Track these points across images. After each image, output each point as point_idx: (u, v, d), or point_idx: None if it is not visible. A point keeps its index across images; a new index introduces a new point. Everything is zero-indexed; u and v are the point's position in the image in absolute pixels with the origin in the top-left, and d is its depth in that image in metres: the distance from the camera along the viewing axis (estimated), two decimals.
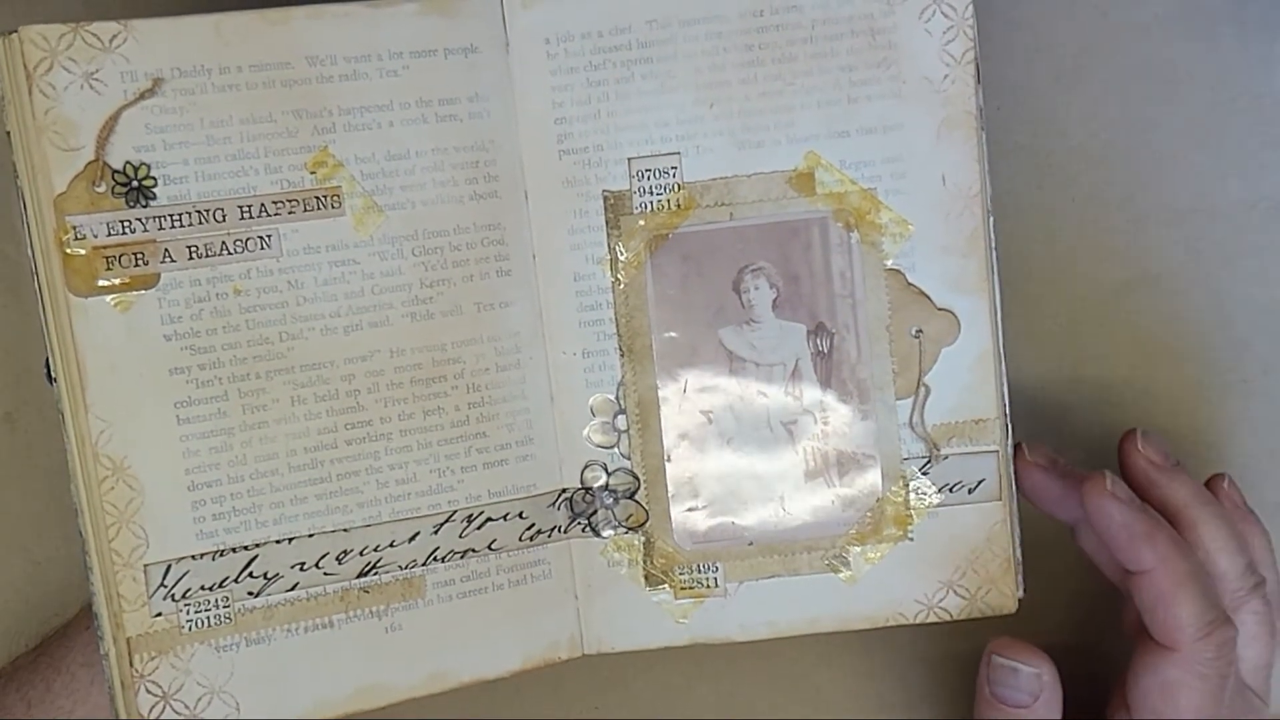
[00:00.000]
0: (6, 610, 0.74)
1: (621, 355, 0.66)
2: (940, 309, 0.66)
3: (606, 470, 0.67)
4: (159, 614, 0.62)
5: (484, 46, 0.65)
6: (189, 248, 0.62)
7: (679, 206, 0.65)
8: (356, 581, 0.65)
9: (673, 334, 0.66)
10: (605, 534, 0.67)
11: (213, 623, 0.63)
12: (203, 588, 0.63)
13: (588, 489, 0.67)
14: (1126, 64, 0.77)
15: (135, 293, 0.61)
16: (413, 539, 0.65)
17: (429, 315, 0.64)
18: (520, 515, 0.66)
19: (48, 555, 0.74)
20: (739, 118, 0.65)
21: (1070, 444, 0.76)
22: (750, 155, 0.65)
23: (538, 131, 0.65)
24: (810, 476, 0.67)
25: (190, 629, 0.63)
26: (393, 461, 0.65)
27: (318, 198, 0.63)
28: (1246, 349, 0.78)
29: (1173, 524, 0.66)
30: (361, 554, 0.64)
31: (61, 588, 0.74)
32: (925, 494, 0.66)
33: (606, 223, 0.66)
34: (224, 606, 0.63)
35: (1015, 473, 0.67)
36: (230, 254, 0.62)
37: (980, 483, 0.66)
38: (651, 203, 0.65)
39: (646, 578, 0.67)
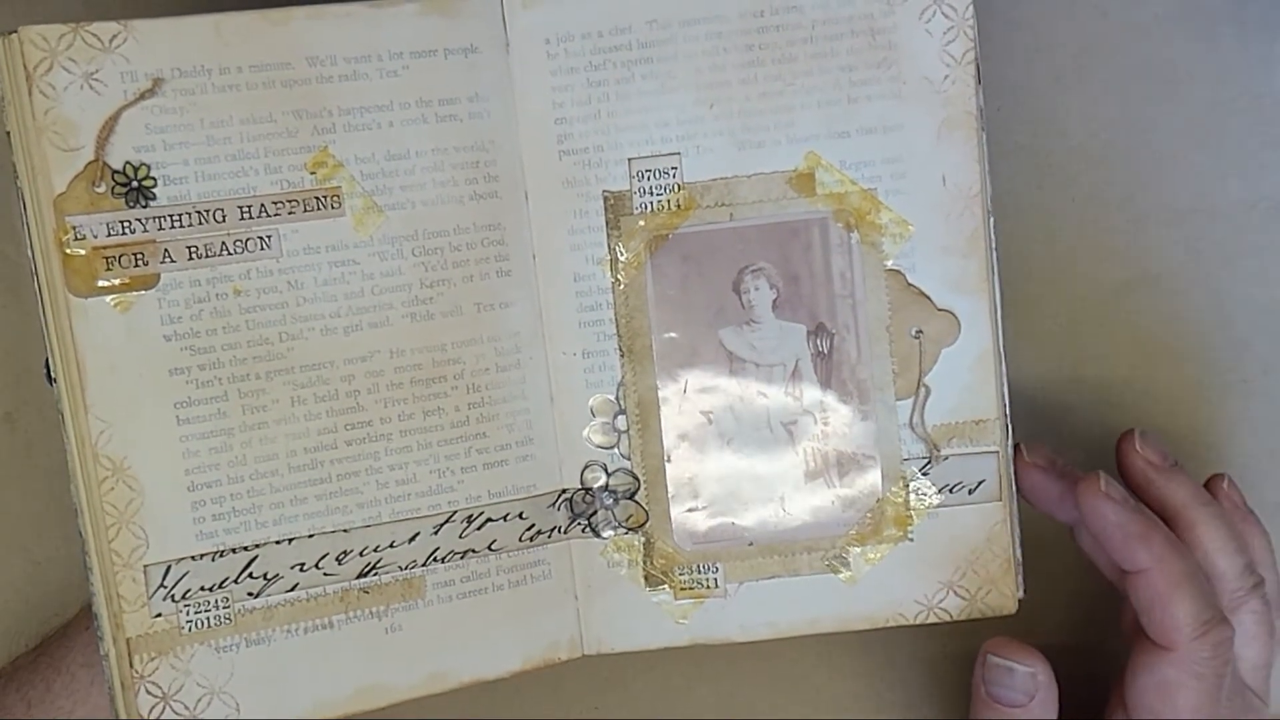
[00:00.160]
0: (6, 610, 0.74)
1: (621, 356, 0.66)
2: (940, 309, 0.66)
3: (606, 471, 0.67)
4: (159, 614, 0.62)
5: (484, 47, 0.65)
6: (189, 248, 0.62)
7: (679, 207, 0.65)
8: (356, 582, 0.64)
9: (673, 334, 0.66)
10: (605, 534, 0.67)
11: (213, 623, 0.63)
12: (203, 588, 0.63)
13: (588, 489, 0.67)
14: (1126, 64, 0.77)
15: (135, 293, 0.61)
16: (413, 539, 0.65)
17: (429, 315, 0.64)
18: (520, 516, 0.66)
19: (48, 555, 0.74)
20: (739, 118, 0.65)
21: (1070, 444, 0.76)
22: (750, 155, 0.65)
23: (538, 132, 0.65)
24: (810, 477, 0.67)
25: (190, 629, 0.63)
26: (393, 462, 0.65)
27: (318, 198, 0.63)
28: (1246, 349, 0.78)
29: (1171, 524, 0.66)
30: (361, 554, 0.64)
31: (61, 588, 0.74)
32: (925, 494, 0.66)
33: (607, 223, 0.66)
34: (224, 607, 0.63)
35: (1014, 473, 0.67)
36: (230, 254, 0.62)
37: (980, 483, 0.66)
38: (652, 203, 0.65)
39: (646, 578, 0.67)
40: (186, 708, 0.63)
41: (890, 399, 0.66)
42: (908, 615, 0.67)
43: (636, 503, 0.67)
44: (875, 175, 0.65)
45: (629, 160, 0.65)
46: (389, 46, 0.63)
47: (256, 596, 0.63)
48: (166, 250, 0.61)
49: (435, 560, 0.65)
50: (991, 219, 0.65)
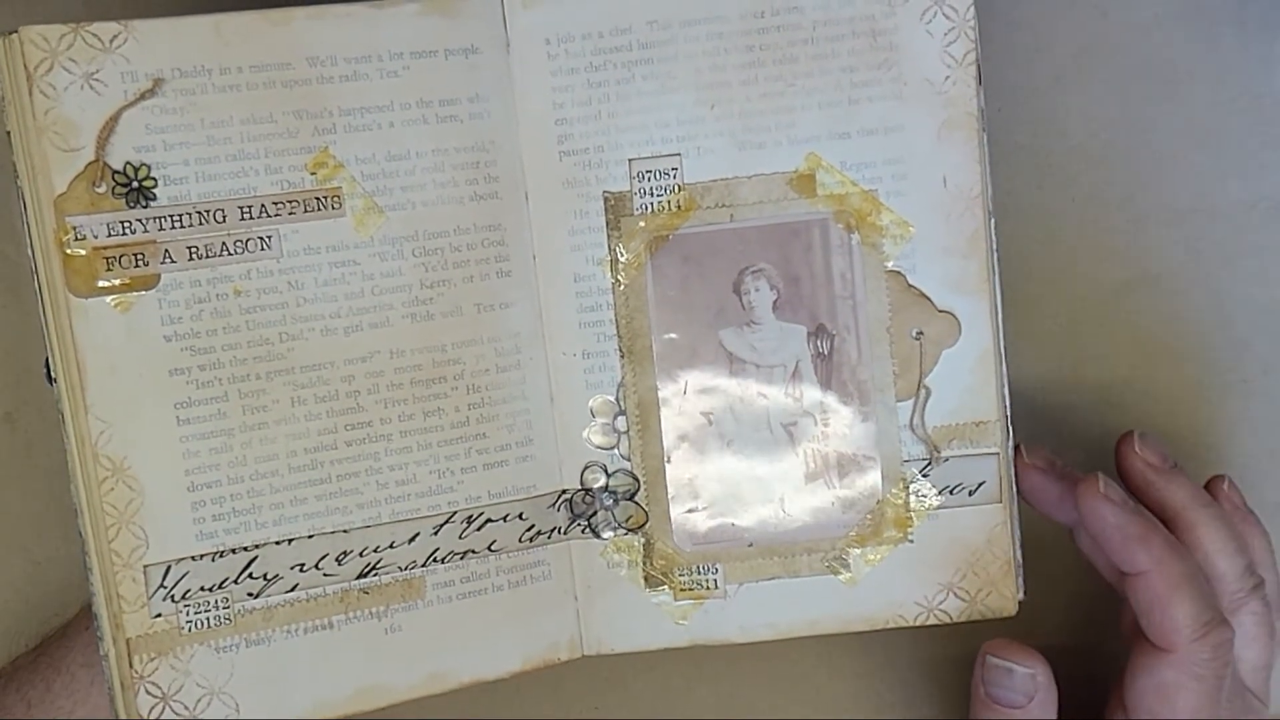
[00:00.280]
0: (6, 610, 0.74)
1: (622, 356, 0.66)
2: (941, 311, 0.66)
3: (606, 471, 0.67)
4: (159, 615, 0.62)
5: (485, 47, 0.64)
6: (189, 248, 0.62)
7: (679, 208, 0.65)
8: (356, 582, 0.64)
9: (673, 335, 0.66)
10: (605, 535, 0.67)
11: (212, 624, 0.63)
12: (202, 589, 0.63)
13: (587, 490, 0.67)
14: (1126, 64, 0.77)
15: (135, 293, 0.61)
16: (412, 540, 0.65)
17: (429, 316, 0.64)
18: (520, 516, 0.66)
19: (48, 555, 0.74)
20: (740, 119, 0.65)
21: (1070, 445, 0.76)
22: (751, 156, 0.65)
23: (538, 132, 0.65)
24: (810, 478, 0.67)
25: (190, 630, 0.63)
26: (393, 462, 0.65)
27: (318, 198, 0.63)
28: (1246, 349, 0.78)
29: (1171, 526, 0.66)
30: (361, 555, 0.64)
31: (61, 588, 0.74)
32: (925, 496, 0.66)
33: (607, 224, 0.66)
34: (224, 607, 0.63)
35: (1014, 474, 0.67)
36: (230, 255, 0.62)
37: (980, 485, 0.66)
38: (652, 204, 0.65)
39: (646, 579, 0.67)
40: (186, 708, 0.63)
41: (890, 400, 0.66)
42: (907, 617, 0.67)
43: (636, 504, 0.67)
44: (876, 176, 0.65)
45: (629, 161, 0.65)
46: (389, 47, 0.63)
47: (256, 597, 0.63)
48: (167, 250, 0.61)
49: (435, 561, 0.65)
50: (992, 220, 0.65)
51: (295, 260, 0.63)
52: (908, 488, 0.66)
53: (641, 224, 0.66)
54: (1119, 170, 0.77)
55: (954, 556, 0.66)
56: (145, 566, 0.62)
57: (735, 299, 0.66)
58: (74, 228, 0.60)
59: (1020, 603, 0.67)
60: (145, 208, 0.61)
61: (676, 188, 0.65)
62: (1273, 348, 0.78)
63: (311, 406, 0.63)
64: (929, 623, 0.67)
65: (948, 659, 0.77)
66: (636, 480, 0.67)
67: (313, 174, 0.63)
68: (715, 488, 0.67)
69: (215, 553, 0.63)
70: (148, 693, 0.62)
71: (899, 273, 0.65)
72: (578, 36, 0.64)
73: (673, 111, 0.65)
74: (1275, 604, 0.68)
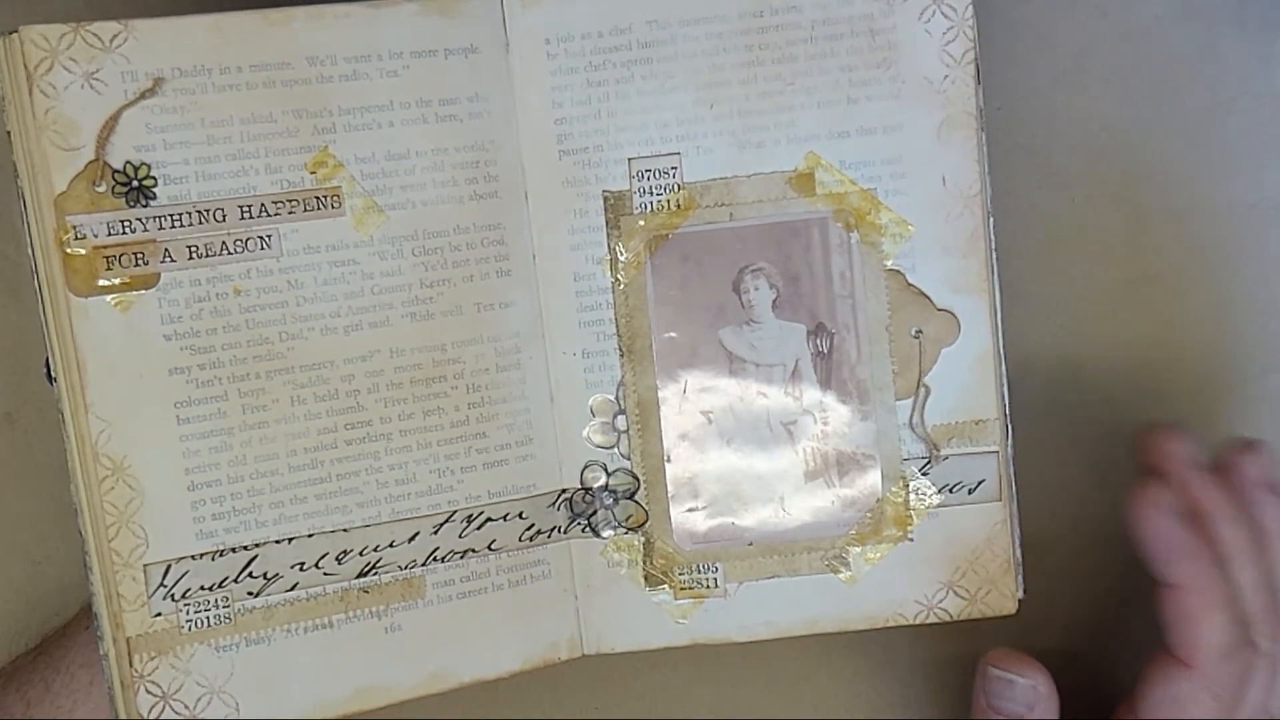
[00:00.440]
0: (6, 610, 0.74)
1: (621, 355, 0.66)
2: (940, 309, 0.66)
3: (606, 470, 0.67)
4: (159, 614, 0.62)
5: (484, 47, 0.65)
6: (189, 247, 0.62)
7: (679, 207, 0.65)
8: (356, 581, 0.65)
9: (673, 334, 0.66)
10: (605, 534, 0.67)
11: (212, 623, 0.63)
12: (202, 588, 0.63)
13: (587, 489, 0.67)
14: (1126, 64, 0.77)
15: (135, 292, 0.61)
16: (412, 539, 0.65)
17: (429, 315, 0.64)
18: (520, 515, 0.66)
19: (48, 555, 0.74)
20: (739, 118, 0.65)
21: (1070, 445, 0.76)
22: (750, 155, 0.65)
23: (538, 132, 0.65)
24: (810, 477, 0.67)
25: (190, 629, 0.63)
26: (392, 461, 0.65)
27: (318, 198, 0.63)
28: (1246, 349, 0.78)
29: (1261, 543, 0.66)
30: (361, 554, 0.64)
31: (61, 587, 0.74)
32: (925, 494, 0.66)
33: (606, 223, 0.66)
34: (224, 606, 0.63)
35: (1138, 518, 0.65)
36: (230, 254, 0.62)
37: (980, 483, 0.66)
38: (651, 203, 0.65)
39: (646, 578, 0.67)
40: (186, 707, 0.63)
41: (890, 399, 0.66)
42: (907, 615, 0.67)
43: (636, 502, 0.67)
44: (875, 175, 0.65)
45: (629, 160, 0.65)
46: (389, 46, 0.63)
47: (256, 596, 0.63)
48: (167, 250, 0.61)
49: (435, 560, 0.65)
50: (991, 219, 0.65)
51: (295, 259, 0.63)
52: (907, 486, 0.66)
53: (641, 223, 0.66)
54: (1119, 170, 0.77)
55: (954, 555, 0.66)
56: (145, 566, 0.62)
57: (735, 298, 0.66)
58: (74, 227, 0.60)
59: (1020, 601, 0.67)
60: (145, 207, 0.61)
61: (676, 187, 0.65)
62: (1273, 348, 0.78)
63: (311, 405, 0.63)
64: (929, 621, 0.67)
65: (947, 659, 0.77)
66: (636, 479, 0.67)
67: (312, 173, 0.63)
68: (715, 486, 0.67)
69: (215, 552, 0.63)
70: (148, 692, 0.62)
71: (898, 271, 0.65)
72: (577, 36, 0.65)
73: (672, 111, 0.65)
74: None
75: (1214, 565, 0.64)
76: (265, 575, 0.63)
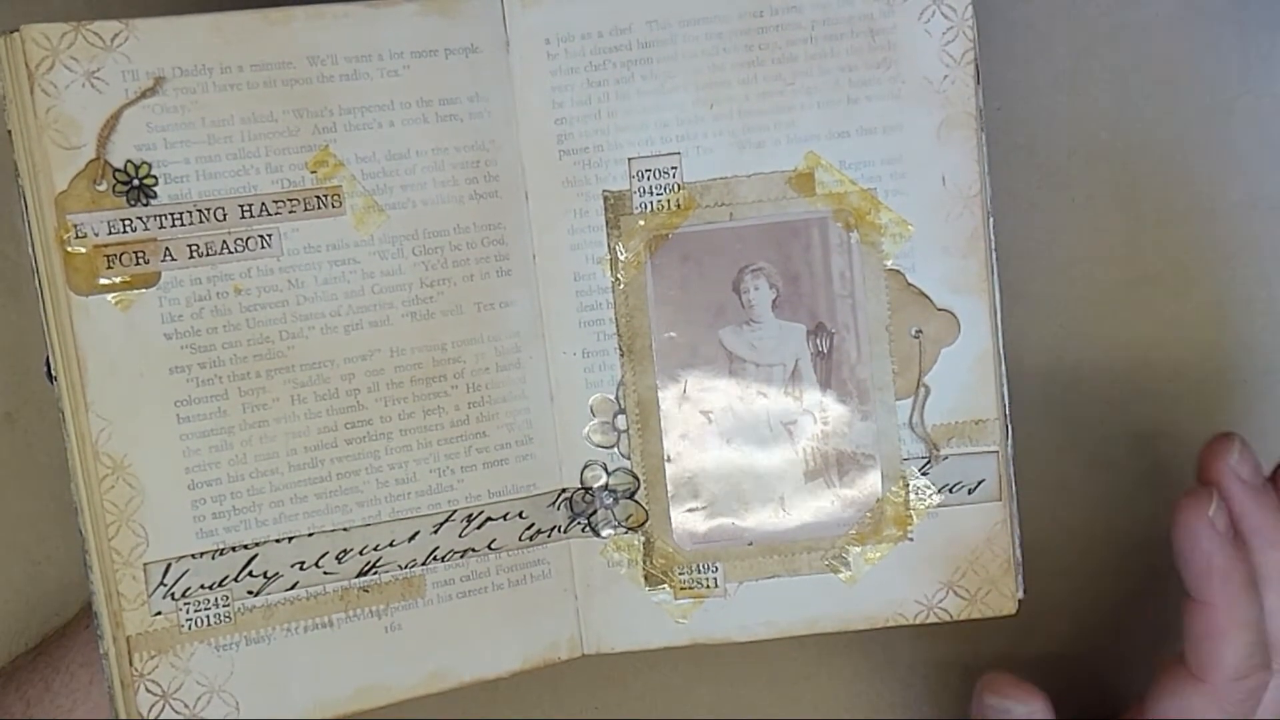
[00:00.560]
0: (6, 610, 0.74)
1: (621, 355, 0.66)
2: (940, 309, 0.66)
3: (606, 470, 0.67)
4: (159, 613, 0.62)
5: (484, 46, 0.65)
6: (190, 246, 0.62)
7: (679, 206, 0.65)
8: (356, 581, 0.64)
9: (673, 334, 0.66)
10: (605, 534, 0.67)
11: (212, 622, 0.63)
12: (202, 587, 0.63)
13: (587, 489, 0.67)
14: (1126, 64, 0.77)
15: (136, 291, 0.61)
16: (412, 538, 0.65)
17: (429, 315, 0.64)
18: (520, 515, 0.66)
19: (47, 555, 0.74)
20: (739, 118, 0.65)
21: (1071, 445, 0.76)
22: (750, 155, 0.65)
23: (538, 131, 0.65)
24: (810, 477, 0.67)
25: (190, 628, 0.63)
26: (393, 461, 0.65)
27: (318, 197, 0.63)
28: (1246, 349, 0.78)
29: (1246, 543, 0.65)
30: (361, 553, 0.64)
31: (61, 587, 0.74)
32: (925, 494, 0.66)
33: (606, 223, 0.66)
34: (224, 605, 0.63)
35: (1184, 529, 0.65)
36: (231, 253, 0.62)
37: (980, 483, 0.66)
38: (651, 203, 0.65)
39: (646, 578, 0.67)
40: (186, 706, 0.63)
41: (890, 399, 0.66)
42: (907, 615, 0.67)
43: (636, 502, 0.67)
44: (875, 175, 0.65)
45: (629, 160, 0.65)
46: (389, 46, 0.63)
47: (256, 595, 0.63)
48: (167, 249, 0.61)
49: (435, 559, 0.65)
50: (991, 219, 0.65)
51: (295, 259, 0.63)
52: (907, 486, 0.66)
53: (641, 223, 0.66)
54: (1119, 170, 0.77)
55: (954, 555, 0.66)
56: (145, 564, 0.62)
57: (735, 297, 0.66)
58: (75, 225, 0.60)
59: (1020, 601, 0.67)
60: (146, 206, 0.61)
61: (676, 186, 0.65)
62: (1273, 348, 0.78)
63: (312, 405, 0.63)
64: (929, 621, 0.67)
65: (948, 658, 0.77)
66: (636, 479, 0.67)
67: (313, 172, 0.63)
68: (715, 486, 0.67)
69: (215, 551, 0.63)
70: (148, 691, 0.62)
71: (898, 271, 0.65)
72: (577, 36, 0.65)
73: (672, 111, 0.65)
74: None
75: (1248, 588, 0.64)
76: (265, 574, 0.63)
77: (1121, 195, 0.77)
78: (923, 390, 0.66)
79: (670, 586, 0.67)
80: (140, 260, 0.61)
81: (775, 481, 0.67)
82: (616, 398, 0.66)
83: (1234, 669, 0.63)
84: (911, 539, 0.67)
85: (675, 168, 0.65)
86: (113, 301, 0.61)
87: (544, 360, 0.66)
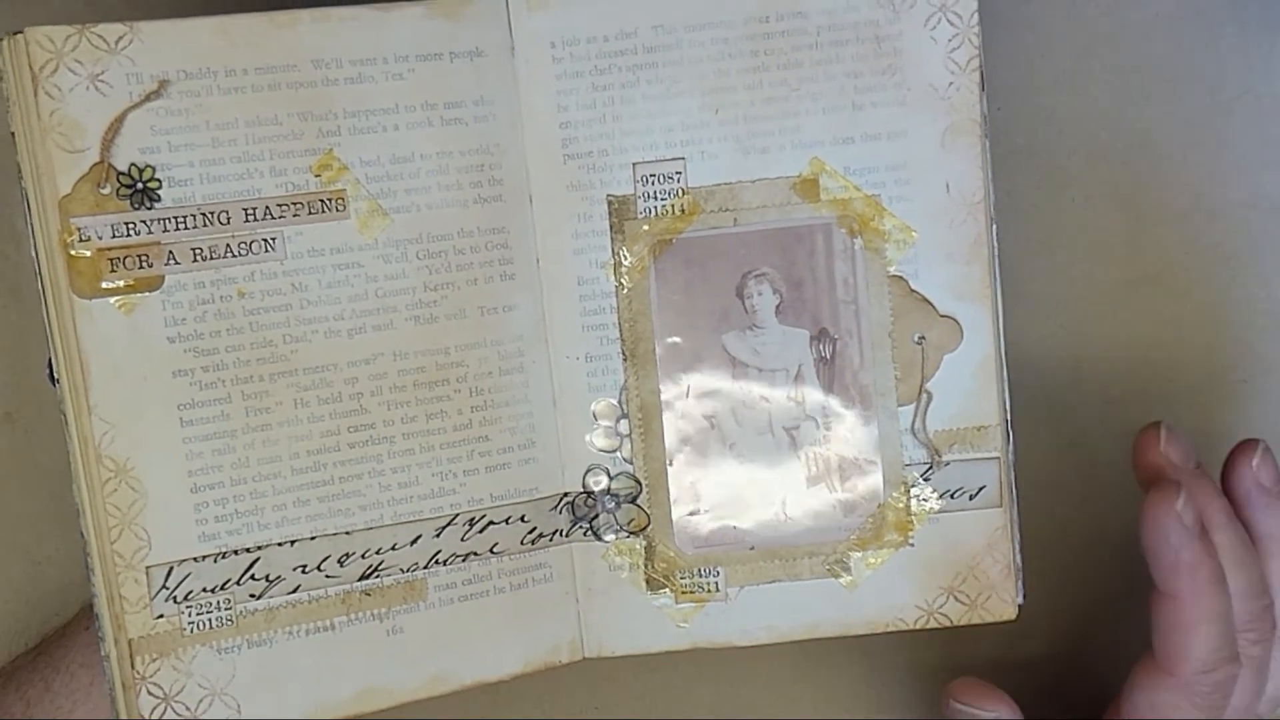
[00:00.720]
0: (6, 610, 0.74)
1: (624, 360, 0.66)
2: (943, 316, 0.66)
3: (608, 474, 0.67)
4: (161, 616, 0.62)
5: (489, 50, 0.64)
6: (193, 250, 0.61)
7: (683, 211, 0.65)
8: (358, 584, 0.65)
9: (676, 339, 0.66)
10: (607, 538, 0.67)
11: (215, 625, 0.63)
12: (205, 590, 0.63)
13: (589, 493, 0.67)
14: (1126, 64, 0.77)
15: (139, 295, 0.61)
16: (414, 542, 0.65)
17: (433, 319, 0.64)
18: (522, 519, 0.66)
19: (48, 555, 0.74)
20: (744, 123, 0.65)
21: (1071, 445, 0.76)
22: (755, 161, 0.65)
23: (542, 135, 0.65)
24: (812, 482, 0.67)
25: (192, 631, 0.63)
26: (395, 464, 0.65)
27: (322, 201, 0.63)
28: (1246, 349, 0.78)
29: (1257, 547, 0.66)
30: (363, 556, 0.64)
31: (61, 588, 0.74)
32: (926, 500, 0.66)
33: (610, 227, 0.66)
34: (226, 609, 0.63)
35: (1153, 524, 0.65)
36: (234, 256, 0.62)
37: (981, 489, 0.66)
38: (656, 207, 0.65)
39: (648, 582, 0.67)
40: (188, 709, 0.63)
41: (892, 404, 0.66)
42: (908, 620, 0.67)
43: (638, 506, 0.67)
44: (879, 181, 0.65)
45: (633, 164, 0.65)
46: (394, 49, 0.63)
47: (258, 598, 0.63)
48: (171, 252, 0.61)
49: (437, 563, 0.65)
50: (994, 226, 0.65)
51: (299, 262, 0.63)
52: (909, 491, 0.66)
53: (645, 227, 0.66)
54: (1119, 170, 0.77)
55: (954, 560, 0.67)
56: (148, 568, 0.62)
57: (738, 303, 0.66)
58: (78, 229, 0.60)
59: (1020, 607, 0.67)
60: (150, 209, 0.61)
61: (680, 191, 0.65)
62: (1273, 348, 0.78)
63: (314, 408, 0.63)
64: (929, 626, 0.67)
65: (948, 662, 0.77)
66: (638, 483, 0.67)
67: (317, 176, 0.63)
68: (717, 491, 0.67)
69: (218, 554, 0.63)
70: (149, 693, 0.62)
71: (901, 278, 0.65)
72: (582, 40, 0.64)
73: (677, 115, 0.65)
74: None
75: (1215, 582, 0.64)
76: (267, 577, 0.63)
77: (1121, 195, 0.77)
78: (925, 396, 0.66)
79: (671, 590, 0.67)
80: (144, 264, 0.61)
81: (777, 486, 0.67)
82: (619, 402, 0.66)
83: (1201, 662, 0.64)
84: (912, 544, 0.67)
85: (680, 172, 0.65)
86: (116, 305, 0.61)
87: (547, 364, 0.66)
